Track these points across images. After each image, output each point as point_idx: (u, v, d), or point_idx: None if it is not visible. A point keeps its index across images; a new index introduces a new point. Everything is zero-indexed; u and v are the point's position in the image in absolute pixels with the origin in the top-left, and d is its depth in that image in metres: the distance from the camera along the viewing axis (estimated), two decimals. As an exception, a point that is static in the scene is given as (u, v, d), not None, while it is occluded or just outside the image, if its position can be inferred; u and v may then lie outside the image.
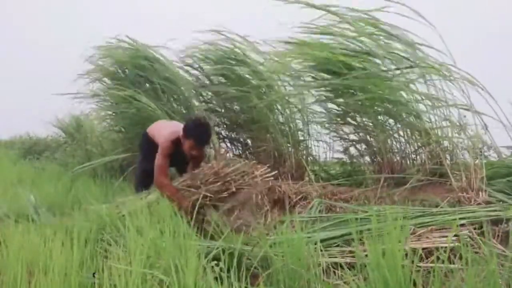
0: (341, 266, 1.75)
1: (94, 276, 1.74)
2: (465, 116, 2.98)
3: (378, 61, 3.29)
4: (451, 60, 2.94)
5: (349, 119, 3.82)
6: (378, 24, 3.21)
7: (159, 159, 3.09)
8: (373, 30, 3.26)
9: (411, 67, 3.15)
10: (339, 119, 3.92)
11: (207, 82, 4.91)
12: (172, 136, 3.13)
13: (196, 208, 2.66)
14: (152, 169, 3.09)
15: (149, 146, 3.34)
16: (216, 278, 1.56)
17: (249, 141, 4.71)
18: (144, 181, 3.34)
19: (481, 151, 2.88)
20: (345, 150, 3.95)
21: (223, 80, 4.68)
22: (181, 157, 3.24)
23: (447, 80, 2.98)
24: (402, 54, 3.20)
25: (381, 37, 3.25)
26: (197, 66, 4.95)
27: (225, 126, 4.89)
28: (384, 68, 3.25)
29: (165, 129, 3.30)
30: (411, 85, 3.26)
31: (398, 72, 3.24)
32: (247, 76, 4.34)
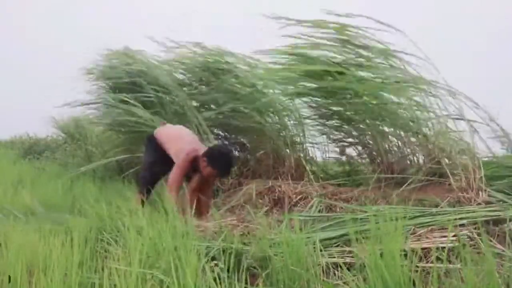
0: (340, 266, 1.74)
1: None
2: (461, 117, 3.04)
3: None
4: (434, 71, 3.05)
5: (343, 124, 3.88)
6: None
7: (174, 177, 3.04)
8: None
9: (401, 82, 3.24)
10: (332, 122, 3.97)
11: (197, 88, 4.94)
12: (190, 155, 3.10)
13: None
14: (162, 172, 3.23)
15: (158, 150, 3.32)
16: (215, 278, 1.56)
17: (246, 143, 4.72)
18: (152, 182, 3.33)
19: (474, 153, 2.90)
20: (341, 152, 3.97)
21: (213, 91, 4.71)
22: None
23: (431, 94, 3.06)
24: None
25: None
26: (186, 75, 5.00)
27: (222, 127, 4.89)
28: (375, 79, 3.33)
29: (178, 142, 3.26)
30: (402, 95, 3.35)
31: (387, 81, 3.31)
32: (236, 85, 4.38)
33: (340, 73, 3.33)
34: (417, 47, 3.01)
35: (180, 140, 3.29)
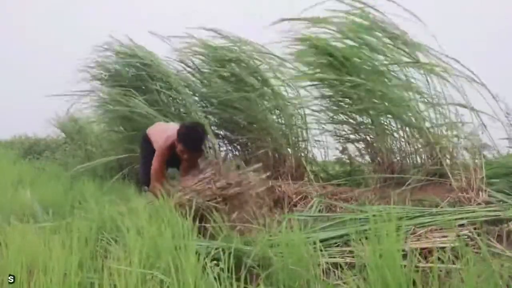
0: (341, 266, 1.74)
1: None
2: (462, 115, 3.01)
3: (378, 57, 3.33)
4: (447, 59, 3.00)
5: (348, 118, 3.84)
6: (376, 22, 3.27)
7: (155, 165, 3.13)
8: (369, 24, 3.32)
9: (414, 62, 3.18)
10: (339, 115, 3.93)
11: (205, 82, 4.89)
12: (168, 141, 3.16)
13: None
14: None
15: (148, 147, 3.39)
16: (215, 278, 1.56)
17: (248, 142, 4.70)
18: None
19: (479, 151, 2.89)
20: (343, 150, 3.96)
21: (221, 81, 4.66)
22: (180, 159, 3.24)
23: (446, 78, 3.01)
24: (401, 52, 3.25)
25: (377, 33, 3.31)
26: (193, 66, 4.94)
27: (223, 127, 4.88)
28: (383, 65, 3.28)
29: (163, 134, 3.30)
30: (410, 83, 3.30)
31: (397, 68, 3.28)
32: (246, 78, 4.33)
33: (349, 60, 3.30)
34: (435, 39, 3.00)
35: (163, 133, 3.33)
